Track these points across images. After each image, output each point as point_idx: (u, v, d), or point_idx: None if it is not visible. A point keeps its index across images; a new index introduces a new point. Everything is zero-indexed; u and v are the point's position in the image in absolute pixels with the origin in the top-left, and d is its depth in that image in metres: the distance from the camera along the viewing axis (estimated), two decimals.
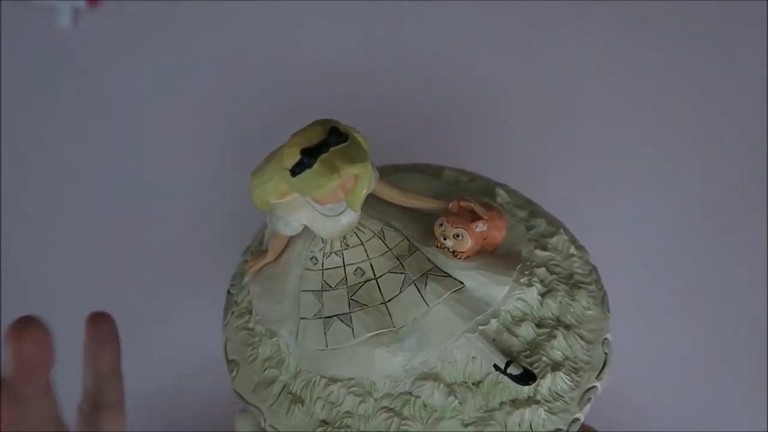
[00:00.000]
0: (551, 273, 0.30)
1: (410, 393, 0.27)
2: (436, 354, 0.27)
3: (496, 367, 0.27)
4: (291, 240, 0.30)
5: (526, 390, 0.27)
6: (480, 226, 0.28)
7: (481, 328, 0.27)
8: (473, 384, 0.27)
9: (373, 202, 0.29)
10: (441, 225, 0.28)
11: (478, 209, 0.28)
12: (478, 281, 0.28)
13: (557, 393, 0.27)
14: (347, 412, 0.27)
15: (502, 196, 0.32)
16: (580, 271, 0.31)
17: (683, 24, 0.50)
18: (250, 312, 0.32)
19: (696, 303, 0.44)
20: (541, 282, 0.29)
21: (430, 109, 0.48)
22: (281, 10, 0.50)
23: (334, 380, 0.28)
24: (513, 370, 0.27)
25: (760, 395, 0.42)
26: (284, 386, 0.29)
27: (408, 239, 0.29)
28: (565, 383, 0.28)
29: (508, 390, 0.27)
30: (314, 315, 0.28)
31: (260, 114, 0.48)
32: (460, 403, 0.27)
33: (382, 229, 0.29)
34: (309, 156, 0.24)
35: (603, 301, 0.30)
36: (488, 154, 0.48)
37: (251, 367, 0.30)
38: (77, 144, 0.48)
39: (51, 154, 0.48)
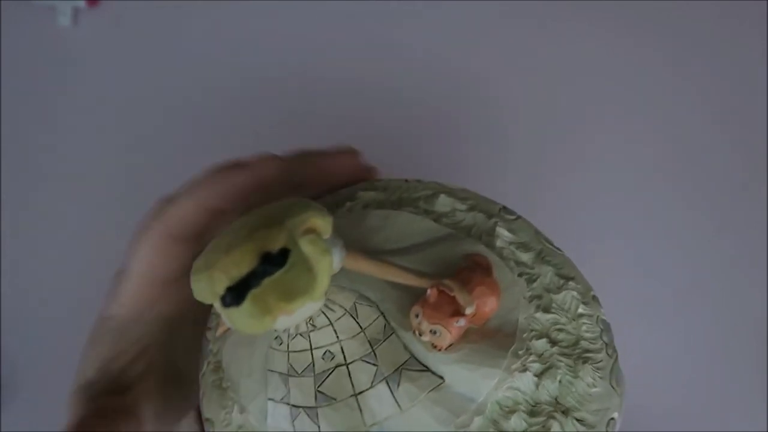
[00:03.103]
0: (553, 343, 0.25)
1: None
2: None
3: None
4: None
5: None
6: (461, 322, 0.23)
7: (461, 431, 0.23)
8: None
9: (345, 270, 0.24)
10: (417, 316, 0.23)
11: (461, 298, 0.23)
12: (461, 376, 0.24)
13: None
14: None
15: (502, 237, 0.28)
16: (588, 335, 0.26)
17: (685, 25, 0.50)
18: (224, 370, 0.28)
19: (696, 303, 0.44)
20: (539, 358, 0.25)
21: (428, 112, 0.48)
22: (283, 11, 0.50)
23: None
24: None
25: (760, 395, 0.42)
26: None
27: (384, 316, 0.24)
28: None
29: None
30: (281, 399, 0.24)
31: (262, 115, 0.48)
32: None
33: (354, 304, 0.24)
34: (235, 295, 0.19)
35: (612, 371, 0.26)
36: (488, 157, 0.48)
37: None
38: (77, 144, 0.48)
39: (50, 153, 0.47)
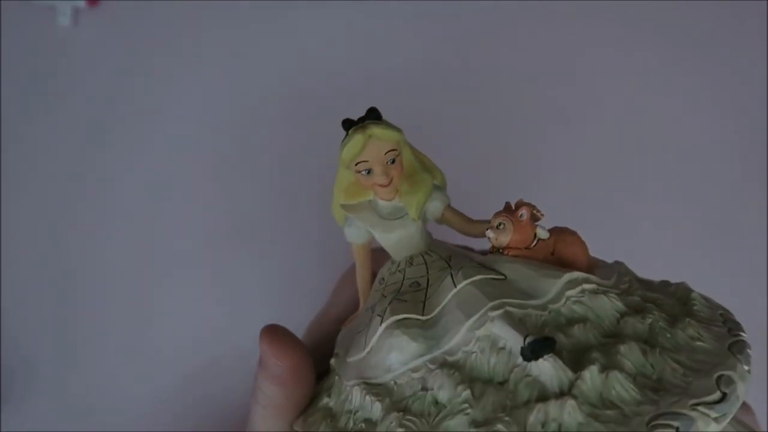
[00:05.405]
0: (649, 302, 0.24)
1: (424, 387, 0.23)
2: (456, 340, 0.23)
3: (522, 352, 0.22)
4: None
5: (556, 383, 0.20)
6: (523, 214, 0.25)
7: (510, 309, 0.23)
8: (498, 383, 0.22)
9: (452, 247, 0.29)
10: (489, 221, 0.26)
11: (530, 205, 0.25)
12: (522, 273, 0.24)
13: (610, 401, 0.20)
14: (367, 419, 0.24)
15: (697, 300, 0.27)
16: (702, 314, 0.24)
17: (685, 25, 0.50)
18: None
19: None
20: (626, 304, 0.23)
21: (432, 111, 0.49)
22: (286, 12, 0.50)
23: (367, 384, 0.25)
24: (530, 338, 0.22)
25: (760, 395, 0.42)
26: (326, 406, 0.27)
27: (472, 259, 0.27)
28: (626, 391, 0.20)
29: (538, 384, 0.21)
30: (365, 325, 0.26)
31: (264, 116, 0.48)
32: (474, 398, 0.22)
33: (451, 255, 0.28)
34: (347, 126, 0.27)
35: (735, 345, 0.23)
36: (489, 157, 0.48)
37: (314, 402, 0.28)
38: (77, 144, 0.48)
39: (50, 154, 0.47)
